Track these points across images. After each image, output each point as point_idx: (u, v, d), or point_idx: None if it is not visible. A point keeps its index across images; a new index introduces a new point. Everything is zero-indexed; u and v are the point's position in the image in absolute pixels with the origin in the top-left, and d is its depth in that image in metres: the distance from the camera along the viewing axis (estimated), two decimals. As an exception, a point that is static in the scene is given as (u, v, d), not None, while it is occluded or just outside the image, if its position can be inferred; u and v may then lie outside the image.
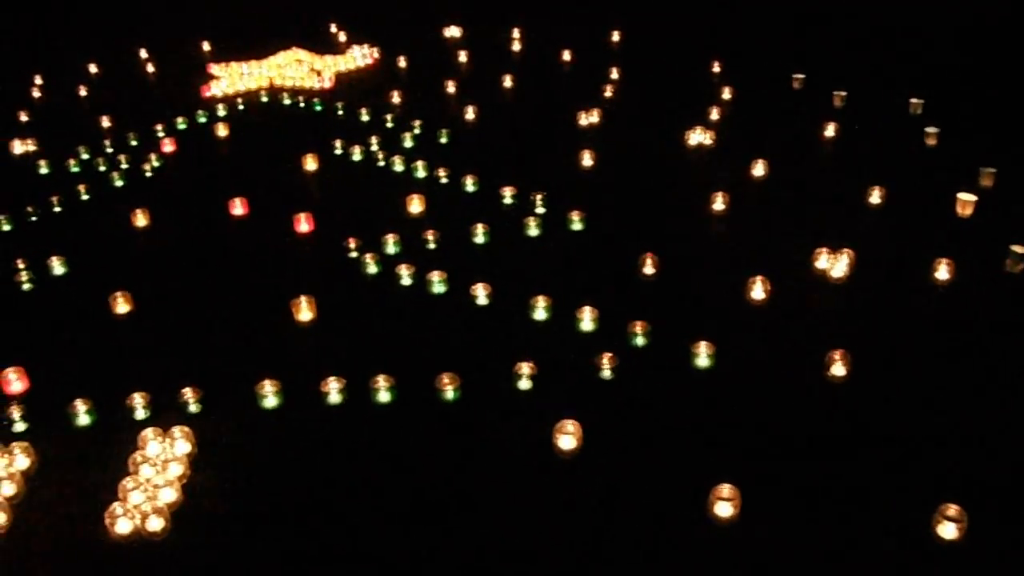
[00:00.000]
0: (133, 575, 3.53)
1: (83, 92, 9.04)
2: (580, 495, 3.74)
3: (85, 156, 7.31)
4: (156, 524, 3.68)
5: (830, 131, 7.22)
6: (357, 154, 7.11)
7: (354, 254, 5.62)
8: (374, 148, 7.18)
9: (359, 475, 3.93)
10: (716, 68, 8.77)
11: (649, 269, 5.34)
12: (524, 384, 4.43)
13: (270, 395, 4.36)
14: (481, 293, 5.11)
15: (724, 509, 3.59)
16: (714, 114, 7.58)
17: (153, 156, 7.26)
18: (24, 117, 8.45)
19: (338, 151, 7.20)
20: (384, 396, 4.39)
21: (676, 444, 4.01)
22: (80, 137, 7.70)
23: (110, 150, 7.45)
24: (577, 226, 5.85)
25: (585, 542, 3.52)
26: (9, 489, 3.89)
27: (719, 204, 6.07)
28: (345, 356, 4.69)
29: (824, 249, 5.32)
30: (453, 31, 10.20)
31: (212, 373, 4.59)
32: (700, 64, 8.96)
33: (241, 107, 8.26)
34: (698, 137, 7.13)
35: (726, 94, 8.08)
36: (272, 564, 3.51)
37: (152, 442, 4.06)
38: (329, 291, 5.17)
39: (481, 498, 3.76)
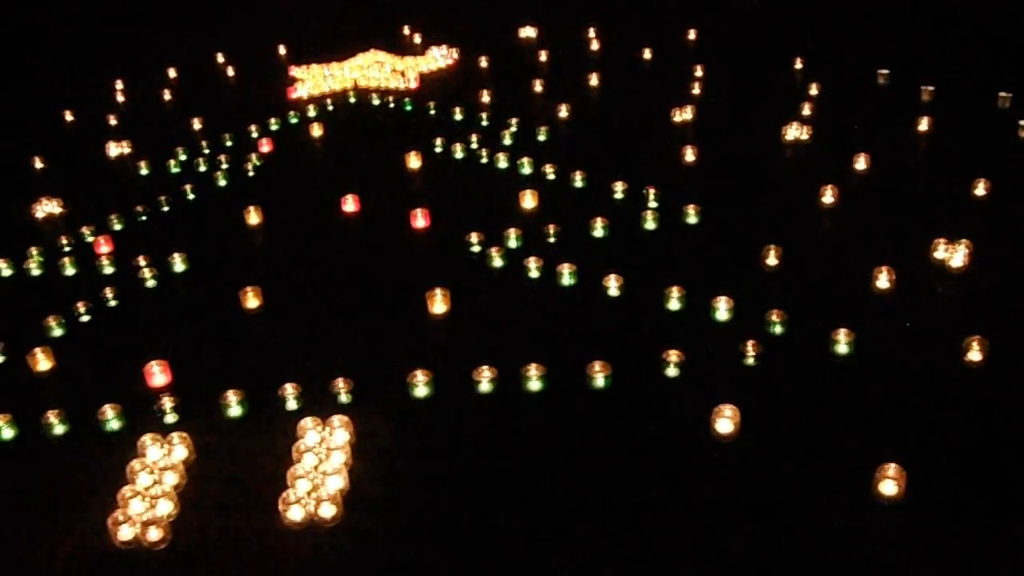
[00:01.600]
0: (304, 562, 3.53)
1: (167, 96, 8.93)
2: (738, 479, 3.73)
3: (183, 157, 7.24)
4: (328, 511, 3.59)
5: (923, 125, 7.03)
6: (459, 152, 7.01)
7: (477, 248, 5.50)
8: (474, 146, 7.06)
9: (515, 462, 3.94)
10: (799, 64, 8.57)
11: (772, 260, 5.20)
12: (672, 372, 4.38)
13: (421, 384, 4.27)
14: (613, 284, 5.04)
15: (889, 487, 3.58)
16: (806, 110, 7.39)
17: (253, 156, 7.19)
18: (113, 120, 8.40)
19: (438, 149, 7.09)
20: (535, 384, 4.35)
21: (826, 429, 4.01)
22: (172, 139, 7.80)
23: (207, 151, 7.35)
24: (693, 219, 5.75)
25: (745, 526, 3.52)
26: (172, 478, 3.81)
27: (828, 197, 5.89)
28: (483, 347, 4.69)
29: (941, 240, 5.24)
30: (528, 32, 10.11)
31: (355, 364, 4.62)
32: (781, 60, 8.91)
33: (331, 107, 8.15)
34: (794, 132, 7.01)
35: (813, 90, 7.86)
36: (433, 548, 3.53)
37: (311, 431, 3.99)
38: (457, 284, 5.18)
39: (639, 483, 3.77)
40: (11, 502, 3.92)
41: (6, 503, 3.91)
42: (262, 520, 3.69)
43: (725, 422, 3.99)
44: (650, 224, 5.82)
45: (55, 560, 3.59)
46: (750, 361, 4.47)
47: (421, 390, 4.38)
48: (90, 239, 6.17)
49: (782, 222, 5.81)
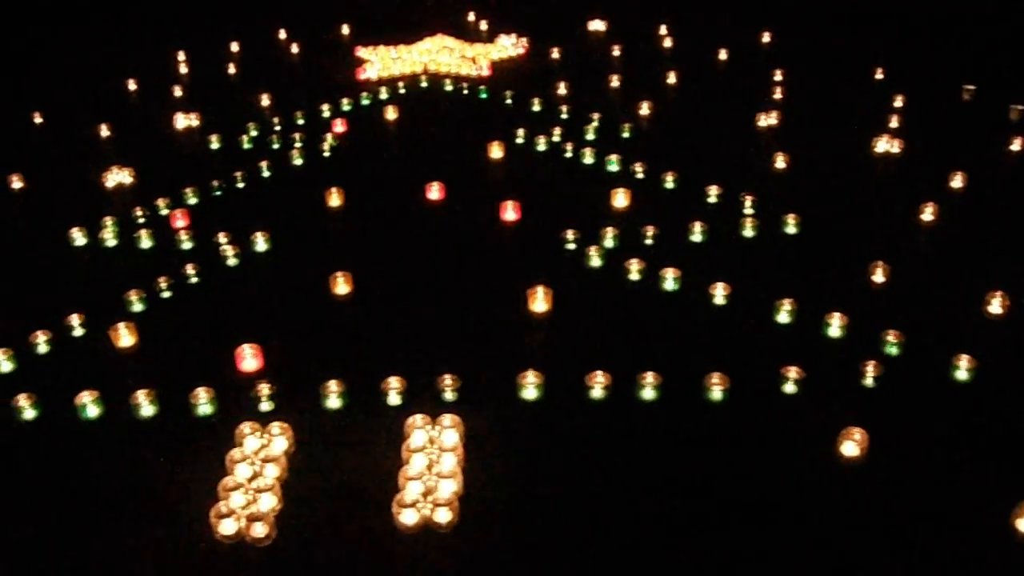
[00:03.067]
0: (416, 566, 3.40)
1: (232, 69, 8.75)
2: (864, 501, 3.60)
3: (254, 133, 7.05)
4: (444, 517, 3.40)
5: (1016, 145, 6.82)
6: (542, 144, 6.78)
7: (572, 246, 5.31)
8: (556, 139, 6.92)
9: (624, 470, 3.80)
10: (879, 75, 8.34)
11: (879, 277, 5.02)
12: (790, 388, 4.21)
13: (531, 386, 4.06)
14: (719, 292, 4.84)
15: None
16: (894, 122, 7.16)
17: (329, 136, 6.98)
18: (179, 92, 8.26)
19: (519, 140, 6.91)
20: (649, 393, 4.17)
21: (952, 454, 3.86)
22: (240, 114, 7.66)
23: (278, 128, 7.17)
24: (791, 229, 5.51)
25: (871, 550, 3.37)
26: (274, 471, 3.61)
27: (928, 215, 5.70)
28: (589, 350, 4.56)
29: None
30: (598, 25, 9.90)
31: (456, 360, 4.45)
32: (861, 69, 8.67)
33: (402, 91, 7.94)
34: (884, 145, 6.78)
35: (897, 102, 7.63)
36: (548, 553, 3.41)
37: (418, 431, 3.79)
38: (554, 282, 4.98)
39: (757, 500, 3.63)
40: (106, 485, 3.80)
41: (102, 484, 3.80)
42: (370, 520, 3.56)
43: (852, 445, 3.83)
44: (749, 231, 5.49)
45: (156, 549, 3.47)
46: (869, 382, 4.24)
47: (531, 392, 4.15)
48: (164, 212, 5.87)
49: (883, 237, 5.62)
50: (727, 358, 4.39)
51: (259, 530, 3.46)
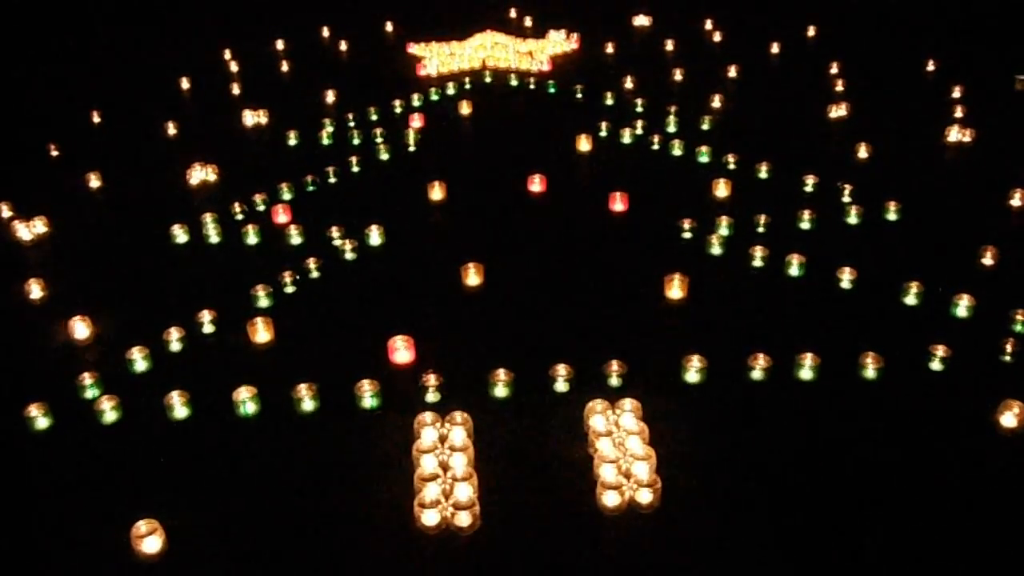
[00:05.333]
0: (620, 546, 3.42)
1: (284, 67, 8.74)
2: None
3: (330, 128, 7.02)
4: (646, 497, 3.44)
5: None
6: (627, 137, 6.89)
7: (688, 235, 5.36)
8: (639, 132, 6.99)
9: (788, 448, 3.86)
10: (930, 67, 8.46)
11: (988, 260, 5.15)
12: (936, 366, 4.30)
13: (693, 371, 4.10)
14: (846, 277, 4.94)
15: None
16: (958, 112, 7.27)
17: (411, 130, 6.99)
18: (236, 89, 8.27)
19: (603, 133, 6.96)
20: (806, 374, 4.25)
21: None
22: (306, 110, 7.75)
23: (352, 124, 7.13)
24: (892, 216, 5.61)
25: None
26: (462, 460, 3.69)
27: (1017, 200, 5.80)
28: (733, 334, 4.63)
29: None
30: (642, 20, 9.97)
31: (612, 346, 4.47)
32: (914, 59, 8.82)
33: (468, 86, 7.96)
34: (956, 135, 6.89)
35: (956, 92, 7.75)
36: (741, 534, 3.46)
37: (597, 416, 3.82)
38: (678, 270, 5.02)
39: (915, 476, 3.68)
40: (297, 477, 3.81)
41: (296, 475, 3.82)
42: (567, 504, 3.59)
43: (1010, 416, 3.91)
44: (853, 219, 5.60)
45: (358, 540, 3.48)
46: (1007, 359, 4.35)
47: (693, 375, 4.18)
48: (261, 207, 5.82)
49: (976, 223, 5.73)
50: (868, 339, 4.49)
51: (464, 519, 3.42)
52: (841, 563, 3.25)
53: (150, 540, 3.39)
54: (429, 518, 3.48)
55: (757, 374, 4.24)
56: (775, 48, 8.97)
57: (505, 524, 3.49)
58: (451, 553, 3.39)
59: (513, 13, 10.26)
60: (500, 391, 4.16)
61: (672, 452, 3.77)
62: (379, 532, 3.47)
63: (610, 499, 3.51)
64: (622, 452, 3.71)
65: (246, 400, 4.14)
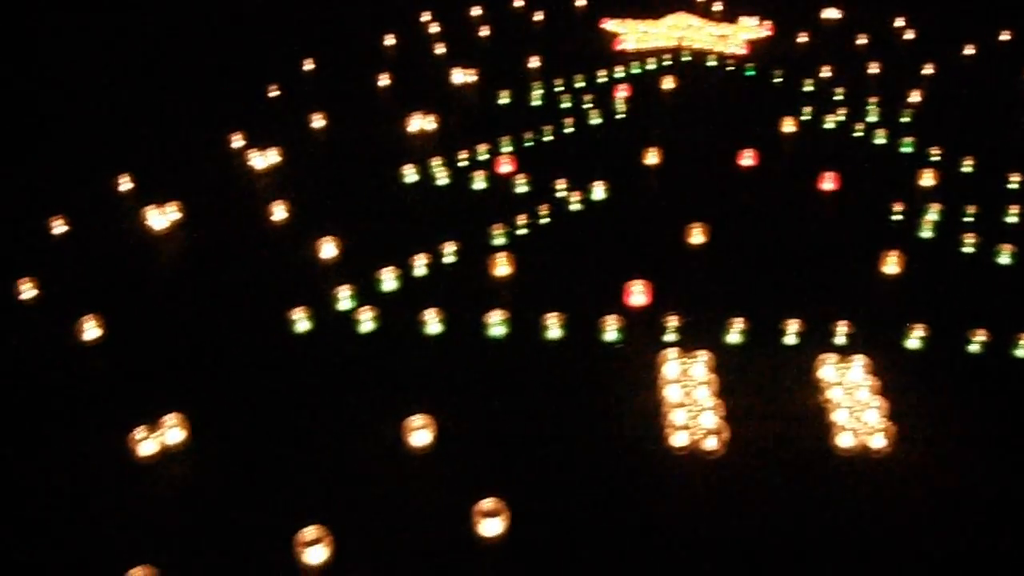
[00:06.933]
0: (856, 486, 3.78)
1: (485, 32, 9.10)
2: None
3: (539, 91, 7.38)
4: (879, 442, 3.76)
5: None
6: (830, 123, 7.08)
7: (899, 217, 5.57)
8: (841, 118, 7.16)
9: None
10: None
11: None
12: None
13: (914, 338, 4.42)
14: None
15: None
16: None
17: (618, 98, 7.33)
18: (440, 48, 8.72)
19: (805, 117, 7.16)
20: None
21: None
22: (512, 74, 8.08)
23: (560, 89, 7.50)
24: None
25: None
26: (706, 393, 4.02)
27: None
28: (948, 311, 4.86)
29: None
30: (832, 12, 10.06)
31: (842, 308, 4.81)
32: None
33: (668, 63, 8.24)
34: None
35: None
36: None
37: (828, 366, 4.14)
38: (887, 250, 5.29)
39: None
40: (546, 397, 4.25)
41: (545, 396, 4.28)
42: (806, 443, 3.97)
43: None
44: (1059, 218, 5.65)
45: (608, 456, 3.89)
46: None
47: (914, 342, 4.52)
48: (483, 157, 6.33)
49: None
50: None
51: (711, 444, 3.77)
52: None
53: (420, 433, 3.91)
54: (678, 439, 3.78)
55: (975, 347, 4.42)
56: (969, 50, 8.95)
57: (745, 454, 3.88)
58: (697, 475, 3.78)
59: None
60: (734, 337, 4.42)
61: (897, 406, 4.08)
62: (631, 451, 3.90)
63: (844, 440, 3.77)
64: (852, 401, 4.03)
65: (495, 324, 4.47)
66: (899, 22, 9.57)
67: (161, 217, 5.71)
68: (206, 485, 3.74)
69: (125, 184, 6.06)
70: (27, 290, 4.94)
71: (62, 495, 3.67)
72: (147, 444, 3.87)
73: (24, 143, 6.73)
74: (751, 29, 9.31)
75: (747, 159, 6.41)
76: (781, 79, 8.00)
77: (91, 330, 4.61)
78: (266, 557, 3.38)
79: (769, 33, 9.28)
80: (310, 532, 3.38)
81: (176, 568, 3.30)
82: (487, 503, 3.47)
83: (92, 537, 3.48)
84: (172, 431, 3.92)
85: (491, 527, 3.45)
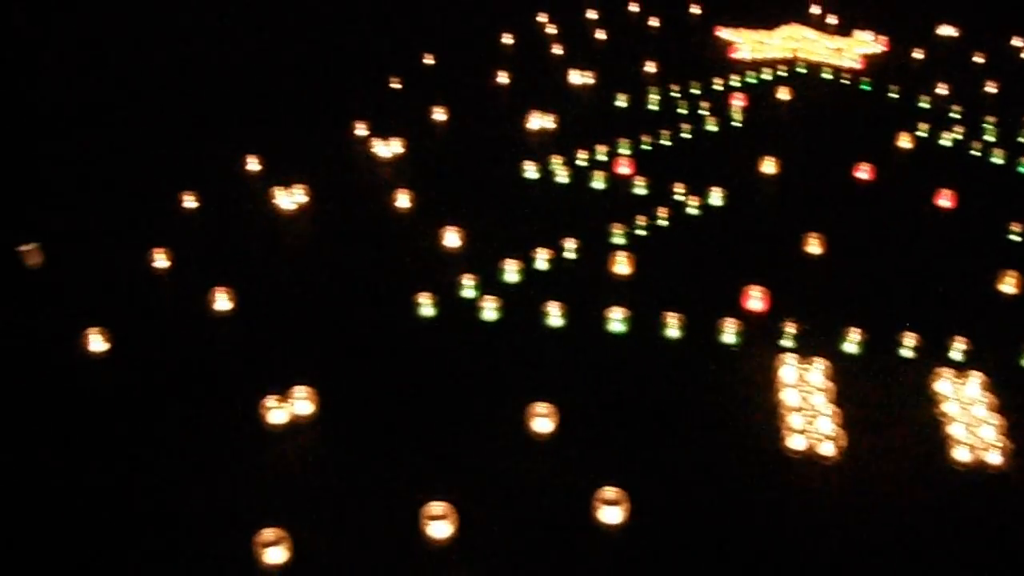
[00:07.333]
0: (972, 501, 3.85)
1: (602, 35, 9.24)
2: None
3: (656, 97, 7.54)
4: (995, 459, 3.82)
5: None
6: (946, 140, 7.12)
7: (1016, 237, 5.73)
8: (959, 136, 7.18)
9: None
10: None
11: None
12: None
13: None
14: None
15: None
16: None
17: (734, 106, 7.44)
18: (557, 50, 8.87)
19: (922, 134, 7.20)
20: None
21: None
22: (627, 76, 8.29)
23: (676, 95, 7.61)
24: None
25: None
26: (822, 399, 4.16)
27: None
28: None
29: None
30: (948, 30, 10.00)
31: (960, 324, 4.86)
32: None
33: (783, 74, 8.30)
34: None
35: None
36: None
37: (943, 381, 4.25)
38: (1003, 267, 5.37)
39: None
40: (666, 395, 4.41)
41: (664, 393, 4.42)
42: (921, 455, 4.08)
43: None
44: None
45: (728, 457, 4.01)
46: None
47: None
48: (602, 158, 6.53)
49: None
50: None
51: (827, 449, 3.90)
52: None
53: (541, 421, 4.05)
54: (796, 442, 3.91)
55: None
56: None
57: (859, 461, 3.99)
58: (814, 478, 3.89)
59: (816, 9, 10.36)
60: (851, 347, 4.53)
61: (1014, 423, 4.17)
62: (748, 453, 4.03)
63: (961, 454, 3.87)
64: (968, 417, 4.11)
65: (614, 320, 4.64)
66: (1017, 42, 9.39)
67: (288, 199, 5.89)
68: (332, 456, 3.93)
69: (253, 165, 6.25)
70: (160, 260, 5.17)
71: (199, 456, 3.89)
72: (277, 413, 4.03)
73: (162, 123, 7.07)
74: (866, 43, 9.25)
75: (863, 172, 6.34)
76: (897, 95, 7.87)
77: (222, 302, 4.82)
78: (390, 527, 3.56)
79: (884, 48, 9.21)
80: (437, 507, 3.53)
81: (304, 531, 3.48)
82: (609, 491, 3.56)
83: (226, 497, 3.70)
84: (301, 403, 4.09)
85: (611, 515, 3.55)
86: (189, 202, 5.84)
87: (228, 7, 9.74)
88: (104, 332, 4.50)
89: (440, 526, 3.51)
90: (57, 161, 6.35)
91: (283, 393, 4.12)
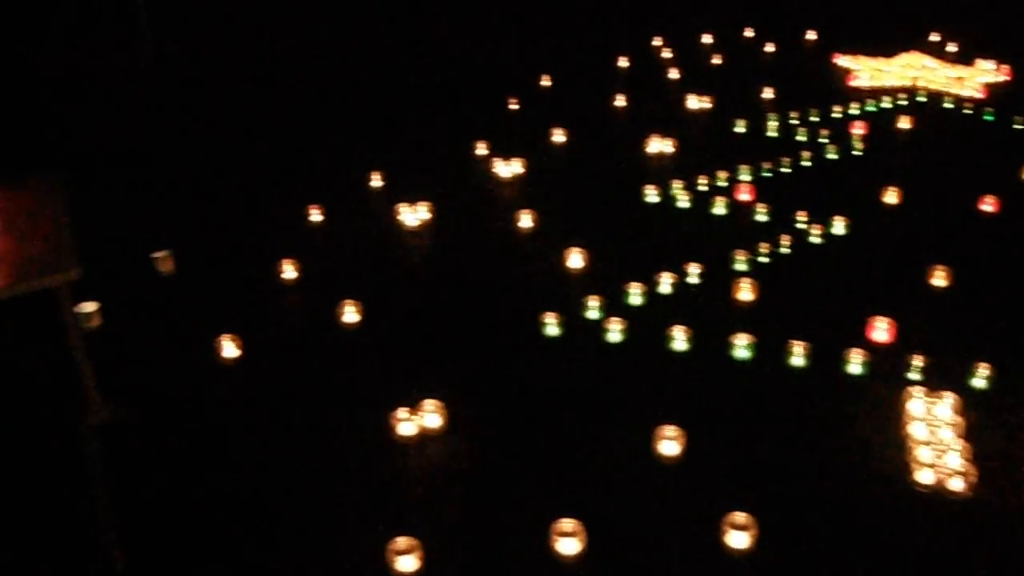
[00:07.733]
0: None
1: (717, 60, 9.29)
2: None
3: (774, 123, 7.58)
4: None
5: None
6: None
7: None
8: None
9: None
10: None
11: None
12: None
13: None
14: None
15: None
16: None
17: (854, 134, 7.43)
18: (673, 74, 8.98)
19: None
20: None
21: None
22: (744, 102, 8.37)
23: (795, 122, 7.60)
24: None
25: None
26: (950, 434, 4.18)
27: None
28: None
29: None
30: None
31: None
32: None
33: (903, 103, 8.24)
34: None
35: None
36: None
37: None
38: None
39: None
40: (786, 425, 4.46)
41: (786, 423, 4.47)
42: None
43: None
44: None
45: (851, 486, 4.05)
46: None
47: None
48: (722, 184, 6.54)
49: None
50: None
51: (957, 484, 3.89)
52: None
53: (668, 444, 4.17)
54: (925, 476, 3.92)
55: None
56: None
57: (991, 498, 4.00)
58: (944, 515, 3.89)
59: (935, 37, 10.25)
60: (979, 382, 4.54)
61: None
62: (874, 483, 4.05)
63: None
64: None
65: (740, 346, 4.70)
66: None
67: (412, 215, 6.08)
68: (461, 469, 4.06)
69: (376, 182, 6.51)
70: (288, 271, 5.44)
71: (329, 464, 4.08)
72: (407, 425, 4.21)
73: (290, 138, 7.44)
74: (988, 73, 9.12)
75: (988, 205, 6.28)
76: (1022, 126, 7.74)
77: (350, 314, 5.02)
78: (519, 540, 3.67)
79: (1007, 78, 9.07)
80: (567, 523, 3.63)
81: (435, 542, 3.61)
82: (738, 516, 3.62)
83: (355, 506, 3.86)
84: (430, 416, 4.26)
85: (738, 540, 3.60)
86: (315, 215, 6.12)
87: (360, 30, 10.03)
88: (236, 339, 4.77)
89: (570, 543, 3.59)
90: (194, 174, 6.79)
91: (412, 406, 4.28)
